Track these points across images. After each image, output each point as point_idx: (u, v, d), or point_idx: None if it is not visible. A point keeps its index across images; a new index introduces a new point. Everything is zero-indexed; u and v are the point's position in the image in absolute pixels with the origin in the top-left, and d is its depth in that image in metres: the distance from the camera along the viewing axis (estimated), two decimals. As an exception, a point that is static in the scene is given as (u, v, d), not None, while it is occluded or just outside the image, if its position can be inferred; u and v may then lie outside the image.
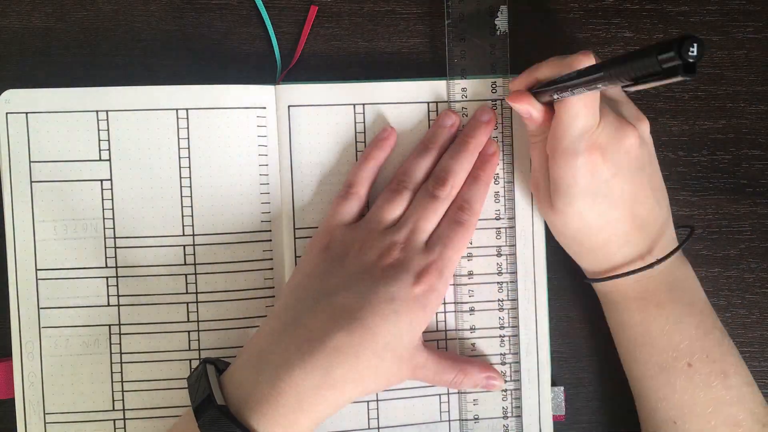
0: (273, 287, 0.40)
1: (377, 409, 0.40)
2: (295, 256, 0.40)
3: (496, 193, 0.41)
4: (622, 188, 0.36)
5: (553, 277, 0.42)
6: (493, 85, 0.40)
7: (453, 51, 0.40)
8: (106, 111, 0.39)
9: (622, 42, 0.43)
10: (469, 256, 0.41)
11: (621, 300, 0.38)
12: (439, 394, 0.41)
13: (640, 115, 0.37)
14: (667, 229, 0.38)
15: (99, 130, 0.39)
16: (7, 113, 0.39)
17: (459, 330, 0.41)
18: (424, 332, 0.39)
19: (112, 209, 0.39)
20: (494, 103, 0.40)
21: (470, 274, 0.41)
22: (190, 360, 0.39)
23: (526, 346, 0.41)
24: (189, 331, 0.39)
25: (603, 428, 0.43)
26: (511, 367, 0.41)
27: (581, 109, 0.34)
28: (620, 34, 0.43)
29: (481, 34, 0.40)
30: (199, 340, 0.39)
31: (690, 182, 0.43)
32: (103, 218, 0.39)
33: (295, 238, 0.40)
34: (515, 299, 0.41)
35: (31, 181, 0.39)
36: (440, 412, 0.41)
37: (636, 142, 0.35)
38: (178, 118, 0.39)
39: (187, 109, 0.39)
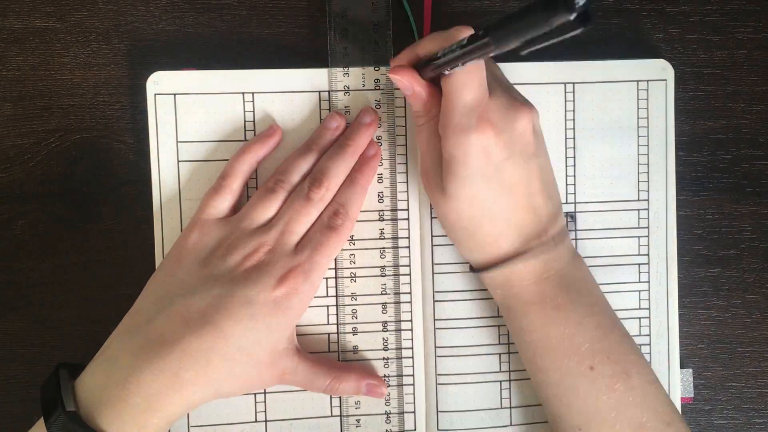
0: (409, 265, 0.41)
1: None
2: (432, 236, 0.41)
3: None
4: (516, 174, 0.34)
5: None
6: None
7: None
8: (252, 93, 0.40)
9: (623, 42, 0.43)
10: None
11: (519, 305, 0.36)
12: None
13: (529, 103, 0.35)
14: (557, 221, 0.36)
15: (245, 111, 0.40)
16: (155, 94, 0.40)
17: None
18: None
19: (256, 188, 0.40)
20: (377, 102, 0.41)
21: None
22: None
23: (657, 329, 0.42)
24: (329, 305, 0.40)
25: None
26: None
27: (469, 81, 0.32)
28: (620, 34, 0.43)
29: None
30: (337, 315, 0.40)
31: (690, 182, 0.43)
32: (247, 198, 0.40)
33: (431, 217, 0.41)
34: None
35: (178, 161, 0.40)
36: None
37: (529, 125, 0.34)
38: (320, 99, 0.40)
39: (328, 92, 0.40)
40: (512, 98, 0.34)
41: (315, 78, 0.40)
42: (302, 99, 0.40)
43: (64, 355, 0.41)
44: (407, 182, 0.41)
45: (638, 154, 0.42)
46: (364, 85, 0.40)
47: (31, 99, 0.41)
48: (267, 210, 0.37)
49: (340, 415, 0.41)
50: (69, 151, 0.41)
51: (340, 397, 0.41)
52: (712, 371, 0.44)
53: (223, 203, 0.38)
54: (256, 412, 0.40)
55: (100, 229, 0.41)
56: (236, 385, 0.35)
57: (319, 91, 0.40)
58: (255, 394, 0.40)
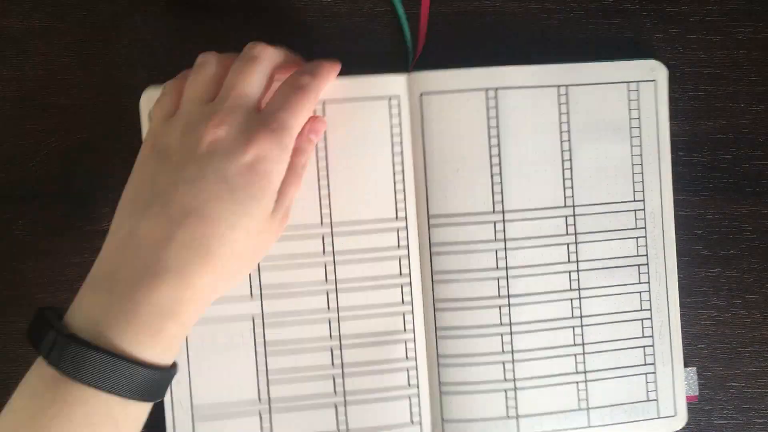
0: (409, 274, 0.41)
1: (269, 416, 0.40)
2: (430, 243, 0.41)
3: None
4: None
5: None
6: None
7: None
8: None
9: (623, 42, 0.43)
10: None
11: None
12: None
13: None
14: None
15: None
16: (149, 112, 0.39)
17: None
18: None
19: None
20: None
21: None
22: (331, 348, 0.40)
23: (659, 329, 0.42)
24: (330, 319, 0.40)
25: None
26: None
27: None
28: (620, 34, 0.43)
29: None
30: (339, 327, 0.40)
31: (690, 182, 0.43)
32: None
33: (429, 225, 0.41)
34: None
35: None
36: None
37: None
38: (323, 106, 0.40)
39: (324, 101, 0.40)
40: None
41: None
42: None
43: (64, 355, 0.41)
44: (404, 191, 0.41)
45: (632, 155, 0.42)
46: None
47: (31, 99, 0.41)
48: (206, 84, 0.35)
49: (347, 429, 0.40)
50: (69, 151, 0.41)
51: (345, 408, 0.40)
52: (712, 371, 0.43)
53: (167, 103, 0.36)
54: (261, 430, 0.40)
55: (100, 229, 0.41)
56: (244, 261, 0.34)
57: None
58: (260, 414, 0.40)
